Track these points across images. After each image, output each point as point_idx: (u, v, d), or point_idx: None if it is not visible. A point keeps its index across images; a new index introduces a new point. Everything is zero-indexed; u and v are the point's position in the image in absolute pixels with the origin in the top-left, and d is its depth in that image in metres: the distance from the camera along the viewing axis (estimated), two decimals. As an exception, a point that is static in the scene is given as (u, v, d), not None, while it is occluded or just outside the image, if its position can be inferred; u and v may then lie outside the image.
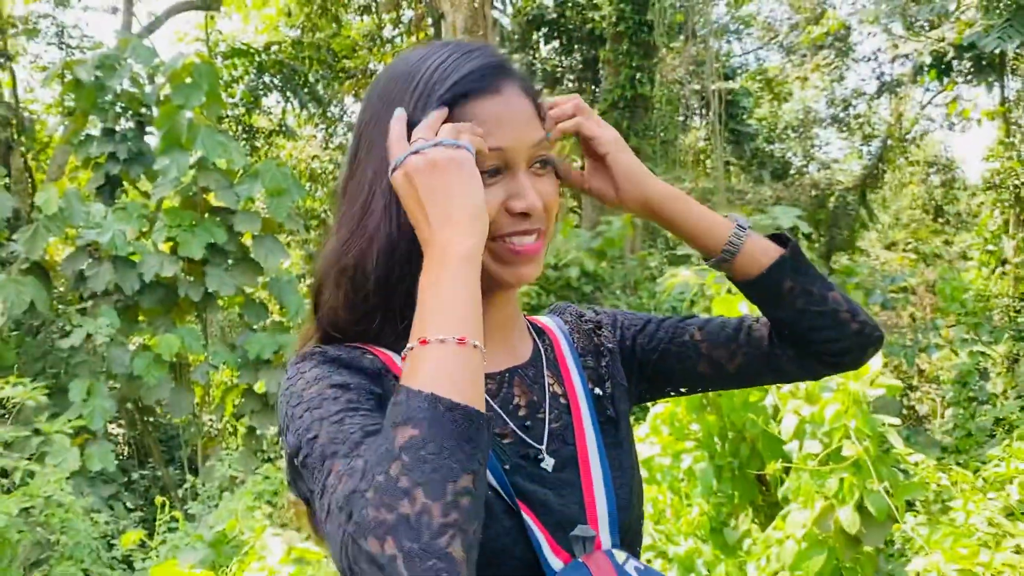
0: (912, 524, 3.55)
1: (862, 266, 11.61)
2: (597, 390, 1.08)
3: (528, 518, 0.90)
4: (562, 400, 1.03)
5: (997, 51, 11.38)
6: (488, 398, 0.98)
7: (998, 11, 8.70)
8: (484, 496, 0.76)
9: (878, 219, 19.66)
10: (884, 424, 3.74)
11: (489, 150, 0.92)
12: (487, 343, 0.93)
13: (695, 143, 17.63)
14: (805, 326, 1.08)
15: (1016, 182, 14.30)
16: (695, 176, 15.57)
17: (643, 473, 4.54)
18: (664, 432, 4.47)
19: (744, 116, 16.44)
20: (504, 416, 0.98)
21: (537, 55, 16.07)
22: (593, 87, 14.34)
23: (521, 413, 1.00)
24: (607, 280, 9.00)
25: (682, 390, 1.18)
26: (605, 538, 0.94)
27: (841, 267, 12.61)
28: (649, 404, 4.71)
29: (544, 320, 1.16)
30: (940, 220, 19.09)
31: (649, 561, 4.13)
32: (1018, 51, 13.21)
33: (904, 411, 9.12)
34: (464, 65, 0.94)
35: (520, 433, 0.98)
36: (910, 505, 4.01)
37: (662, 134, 12.22)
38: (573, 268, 8.31)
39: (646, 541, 4.20)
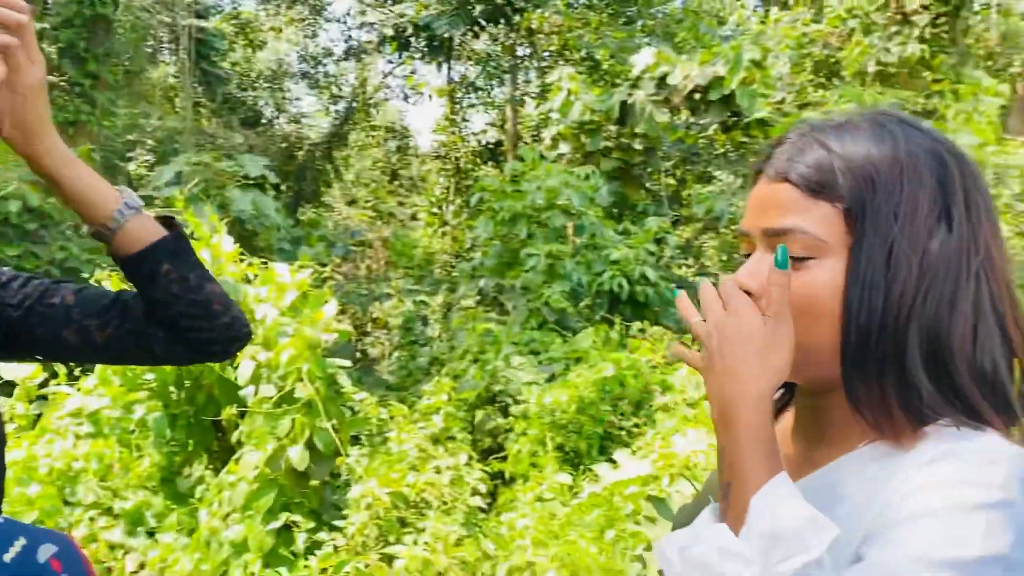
0: (355, 456, 3.90)
1: (327, 220, 12.22)
2: None
3: None
4: None
5: (446, 35, 12.80)
6: None
7: (449, -1, 9.80)
8: None
9: (343, 176, 20.82)
10: (335, 367, 4.02)
11: None
12: None
13: (164, 79, 16.57)
14: (178, 311, 1.09)
15: (457, 154, 16.38)
16: (163, 114, 14.67)
17: (89, 428, 4.20)
18: (115, 383, 4.20)
19: (217, 58, 15.94)
20: None
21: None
22: (43, -3, 12.54)
23: None
24: (56, 218, 8.03)
25: (39, 356, 1.14)
26: None
27: (307, 219, 13.10)
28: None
29: None
30: (396, 182, 20.91)
31: (92, 519, 3.87)
32: (463, 38, 15.06)
33: (357, 354, 9.92)
34: None
35: None
36: (356, 439, 4.38)
37: (127, 63, 11.24)
38: (13, 202, 7.24)
39: (89, 499, 3.92)
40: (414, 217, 19.66)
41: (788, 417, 0.96)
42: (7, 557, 0.88)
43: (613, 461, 3.60)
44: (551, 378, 6.36)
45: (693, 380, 5.60)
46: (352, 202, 20.62)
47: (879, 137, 0.83)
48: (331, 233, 11.20)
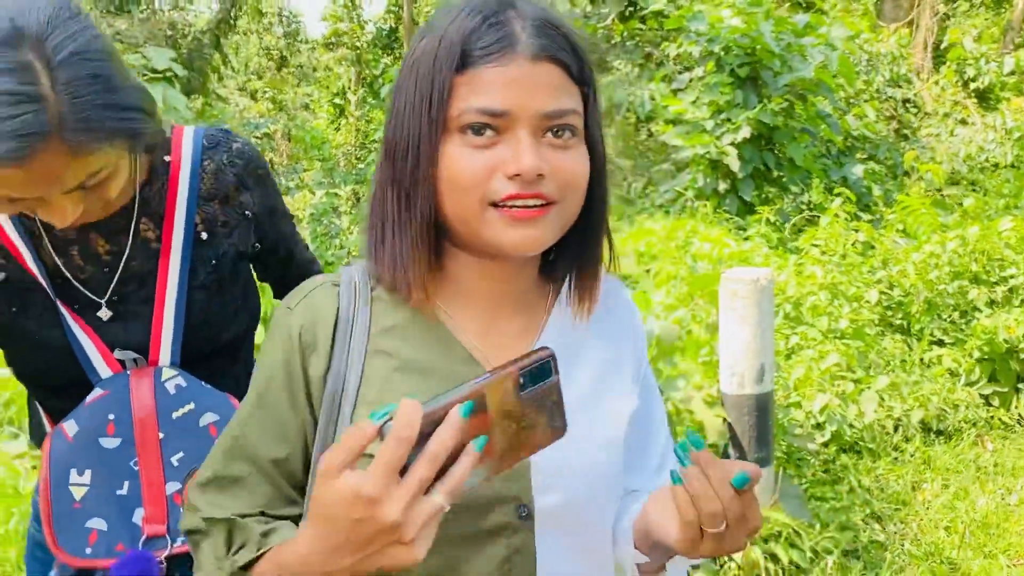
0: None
1: (225, 112, 12.04)
2: (204, 235, 1.19)
3: (89, 340, 1.13)
4: (153, 245, 1.16)
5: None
6: (65, 248, 1.15)
7: None
8: None
9: (232, 65, 20.13)
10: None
11: None
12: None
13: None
14: None
15: (356, 43, 16.14)
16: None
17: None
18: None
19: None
20: (75, 266, 1.13)
21: None
22: None
23: (106, 258, 1.15)
24: None
25: None
26: (165, 358, 1.14)
27: (203, 111, 12.83)
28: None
29: (185, 145, 1.19)
30: (285, 70, 20.36)
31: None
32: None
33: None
34: None
35: (84, 281, 1.14)
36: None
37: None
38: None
39: None
40: (307, 107, 19.30)
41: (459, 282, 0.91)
42: (175, 415, 1.12)
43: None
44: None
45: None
46: (242, 90, 20.04)
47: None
48: (232, 126, 11.12)
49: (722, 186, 7.23)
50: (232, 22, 19.52)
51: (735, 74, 7.03)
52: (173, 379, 1.14)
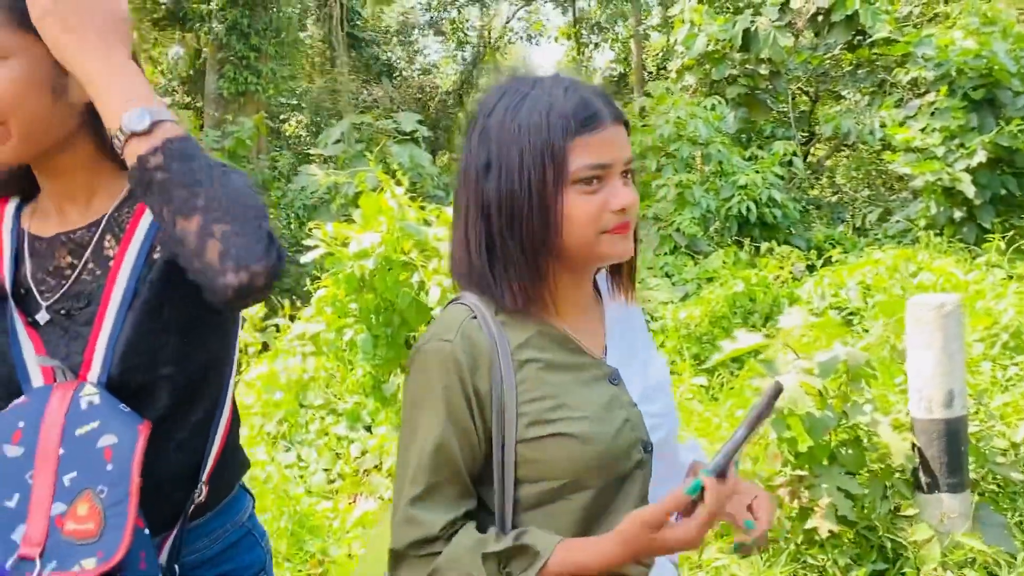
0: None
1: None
2: (157, 255, 1.11)
3: (32, 349, 1.09)
4: (111, 263, 1.11)
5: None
6: (37, 259, 1.14)
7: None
8: None
9: (475, 121, 21.55)
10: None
11: None
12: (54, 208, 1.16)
13: (315, 46, 17.80)
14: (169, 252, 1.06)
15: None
16: (313, 77, 15.86)
17: (311, 348, 5.18)
18: (327, 311, 5.18)
19: (360, 23, 16.96)
20: (38, 277, 1.12)
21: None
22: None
23: (67, 272, 1.12)
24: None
25: None
26: (94, 375, 1.07)
27: (442, 167, 14.00)
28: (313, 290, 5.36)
29: None
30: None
31: (322, 418, 4.88)
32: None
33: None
34: None
35: (43, 292, 1.12)
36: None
37: (283, 35, 12.37)
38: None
39: (319, 402, 4.94)
40: (544, 155, 20.14)
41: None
42: (78, 432, 1.03)
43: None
44: (685, 297, 6.98)
45: (818, 291, 6.11)
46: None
47: None
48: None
49: (957, 214, 6.88)
50: (474, 81, 21.09)
51: (968, 97, 6.71)
52: (90, 396, 1.06)
